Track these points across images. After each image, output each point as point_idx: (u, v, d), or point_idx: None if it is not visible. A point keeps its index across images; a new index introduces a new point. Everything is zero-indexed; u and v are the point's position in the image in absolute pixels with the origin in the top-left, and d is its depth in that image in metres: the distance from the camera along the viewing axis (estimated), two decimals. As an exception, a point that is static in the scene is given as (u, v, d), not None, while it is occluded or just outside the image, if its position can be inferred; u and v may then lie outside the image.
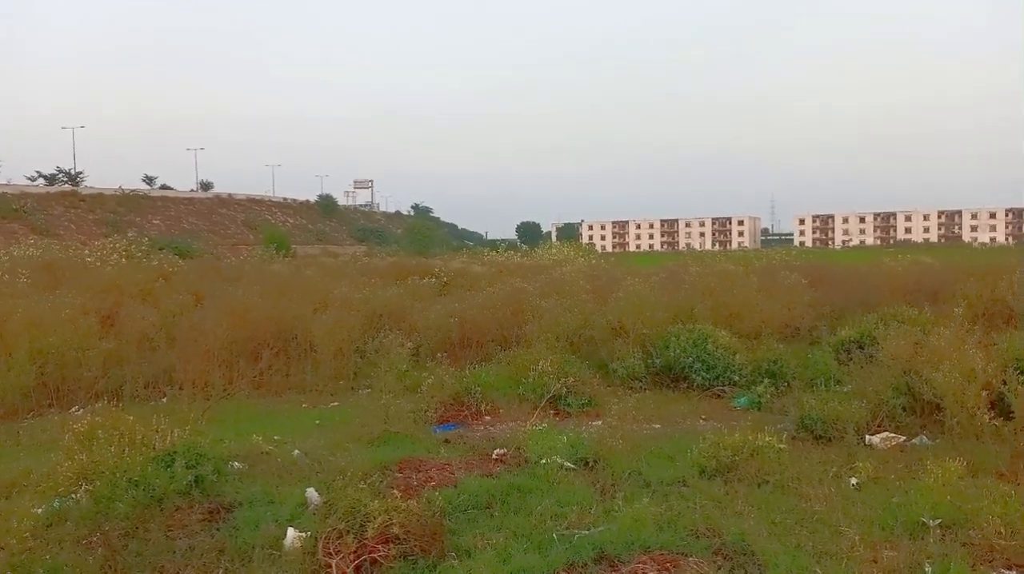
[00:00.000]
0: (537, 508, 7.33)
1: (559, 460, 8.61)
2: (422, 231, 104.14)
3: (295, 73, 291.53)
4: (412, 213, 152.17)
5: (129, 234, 33.42)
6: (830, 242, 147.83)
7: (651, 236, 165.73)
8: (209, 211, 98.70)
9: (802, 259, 28.14)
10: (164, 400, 13.47)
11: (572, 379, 12.09)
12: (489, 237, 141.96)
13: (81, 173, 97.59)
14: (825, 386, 11.49)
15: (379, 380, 12.82)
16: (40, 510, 7.49)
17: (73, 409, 13.10)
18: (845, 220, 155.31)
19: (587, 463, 8.76)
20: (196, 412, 10.15)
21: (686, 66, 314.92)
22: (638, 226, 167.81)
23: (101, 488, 6.38)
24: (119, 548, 6.28)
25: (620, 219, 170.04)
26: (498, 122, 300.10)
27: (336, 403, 13.54)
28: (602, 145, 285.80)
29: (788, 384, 12.50)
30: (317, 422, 11.95)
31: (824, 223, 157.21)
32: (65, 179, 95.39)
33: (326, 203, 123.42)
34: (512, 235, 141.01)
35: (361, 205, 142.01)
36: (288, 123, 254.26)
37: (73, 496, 7.00)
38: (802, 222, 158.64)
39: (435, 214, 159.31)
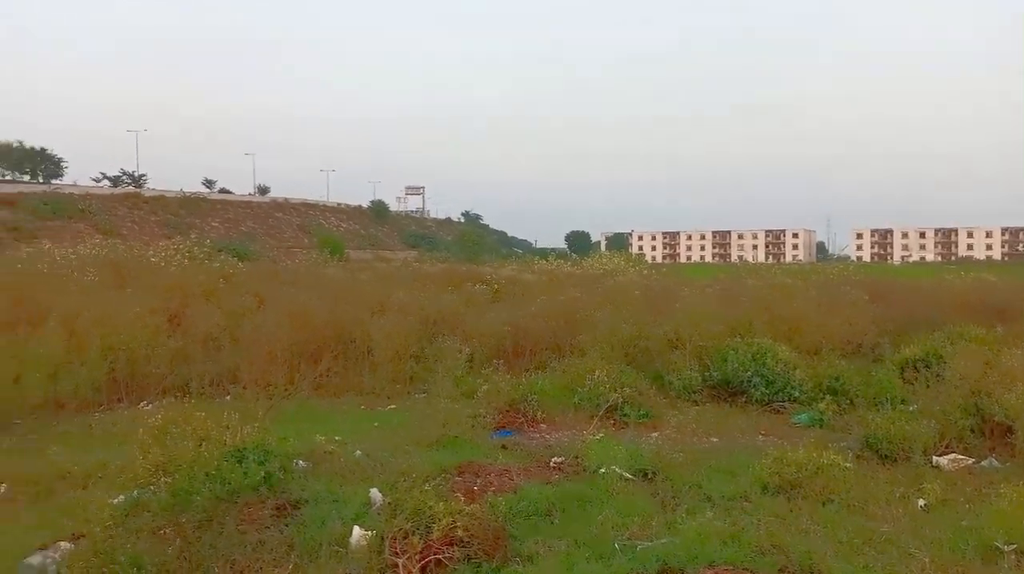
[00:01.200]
0: (598, 517, 7.35)
1: (618, 470, 8.61)
2: (472, 238, 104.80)
3: (352, 78, 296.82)
4: (462, 220, 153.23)
5: (192, 236, 34.37)
6: (889, 258, 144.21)
7: (702, 248, 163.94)
8: (266, 215, 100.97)
9: (861, 274, 27.56)
10: (228, 398, 13.81)
11: (628, 390, 12.07)
12: (538, 245, 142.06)
13: (144, 175, 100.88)
14: (891, 405, 11.25)
15: (436, 385, 12.99)
16: (117, 500, 7.80)
17: (142, 404, 13.55)
18: (904, 235, 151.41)
19: (646, 475, 8.74)
20: (261, 410, 10.40)
21: (741, 76, 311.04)
22: (689, 237, 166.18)
23: (179, 481, 6.63)
24: (193, 540, 6.50)
25: (671, 230, 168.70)
26: (550, 130, 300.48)
27: (393, 406, 13.74)
28: (653, 155, 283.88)
29: (851, 402, 12.28)
30: (376, 424, 12.15)
31: (883, 238, 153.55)
32: (129, 181, 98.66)
33: (378, 208, 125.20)
34: (561, 244, 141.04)
35: (412, 211, 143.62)
36: (343, 128, 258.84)
37: (151, 488, 7.26)
38: (860, 236, 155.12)
39: (484, 221, 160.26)
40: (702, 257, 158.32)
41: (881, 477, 8.90)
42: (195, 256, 28.94)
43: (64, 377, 13.17)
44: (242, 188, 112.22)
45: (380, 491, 8.12)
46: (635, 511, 7.52)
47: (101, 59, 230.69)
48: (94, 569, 5.70)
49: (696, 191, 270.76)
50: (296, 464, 9.08)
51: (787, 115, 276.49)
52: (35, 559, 6.51)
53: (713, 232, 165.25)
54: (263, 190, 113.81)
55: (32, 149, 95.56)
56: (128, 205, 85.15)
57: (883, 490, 8.40)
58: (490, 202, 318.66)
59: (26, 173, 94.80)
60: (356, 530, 7.07)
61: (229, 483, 6.87)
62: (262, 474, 7.31)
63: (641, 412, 11.83)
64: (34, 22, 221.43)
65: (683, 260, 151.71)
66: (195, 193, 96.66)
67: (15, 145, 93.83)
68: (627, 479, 8.52)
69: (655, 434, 10.96)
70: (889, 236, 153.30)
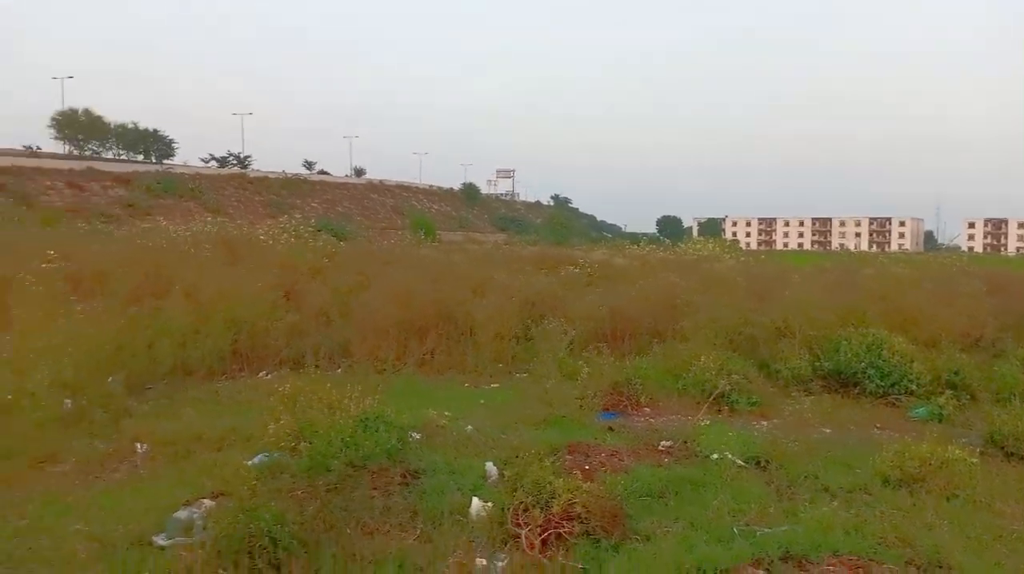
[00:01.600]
0: (712, 502, 7.37)
1: (731, 457, 8.58)
2: (561, 221, 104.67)
3: (442, 63, 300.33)
4: (551, 203, 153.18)
5: (297, 216, 35.70)
6: (1002, 248, 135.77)
7: (800, 235, 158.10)
8: (361, 196, 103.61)
9: (975, 265, 26.12)
10: (339, 371, 14.39)
11: (735, 377, 11.92)
12: (628, 230, 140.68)
13: (249, 157, 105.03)
14: (1020, 401, 10.71)
15: (539, 365, 13.15)
16: (251, 462, 8.33)
17: (261, 374, 14.28)
18: (1021, 225, 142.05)
19: (759, 463, 8.67)
20: (374, 384, 10.81)
21: (835, 61, 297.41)
22: (786, 224, 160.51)
23: (318, 446, 7.00)
24: (327, 502, 6.89)
25: (767, 216, 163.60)
26: (640, 114, 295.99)
27: (496, 385, 14.00)
28: (747, 139, 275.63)
29: (972, 397, 11.77)
30: (481, 401, 12.43)
31: (996, 228, 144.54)
32: (235, 162, 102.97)
33: (469, 191, 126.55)
34: (651, 229, 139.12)
35: (502, 194, 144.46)
36: (435, 112, 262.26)
37: (287, 452, 7.69)
38: (972, 226, 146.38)
39: (574, 205, 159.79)
40: (800, 244, 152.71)
41: (1008, 474, 8.56)
42: (300, 235, 30.11)
43: (191, 346, 13.99)
44: (340, 170, 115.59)
45: (495, 465, 8.39)
46: (751, 498, 7.49)
47: (209, 46, 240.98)
48: (240, 525, 6.10)
49: (793, 177, 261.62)
50: (410, 436, 9.45)
51: (891, 99, 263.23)
52: (182, 514, 7.02)
53: (813, 219, 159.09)
54: (359, 172, 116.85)
55: (146, 130, 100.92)
56: (234, 185, 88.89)
57: (1011, 487, 8.08)
58: (579, 187, 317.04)
59: (140, 153, 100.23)
60: (475, 501, 7.33)
61: (362, 450, 7.22)
62: (391, 443, 7.66)
63: (751, 400, 11.67)
64: (153, 13, 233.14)
65: (779, 247, 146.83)
66: (296, 174, 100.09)
67: (130, 126, 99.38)
68: (740, 466, 8.47)
69: (764, 423, 10.81)
70: (1004, 226, 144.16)
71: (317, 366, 14.53)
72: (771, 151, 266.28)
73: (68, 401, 9.84)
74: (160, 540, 6.63)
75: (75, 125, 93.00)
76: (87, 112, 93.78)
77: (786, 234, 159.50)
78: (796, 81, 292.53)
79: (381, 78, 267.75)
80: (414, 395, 12.84)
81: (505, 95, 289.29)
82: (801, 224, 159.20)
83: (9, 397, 8.94)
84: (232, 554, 6.06)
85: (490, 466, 8.32)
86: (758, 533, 6.59)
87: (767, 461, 8.65)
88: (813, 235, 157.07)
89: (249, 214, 77.36)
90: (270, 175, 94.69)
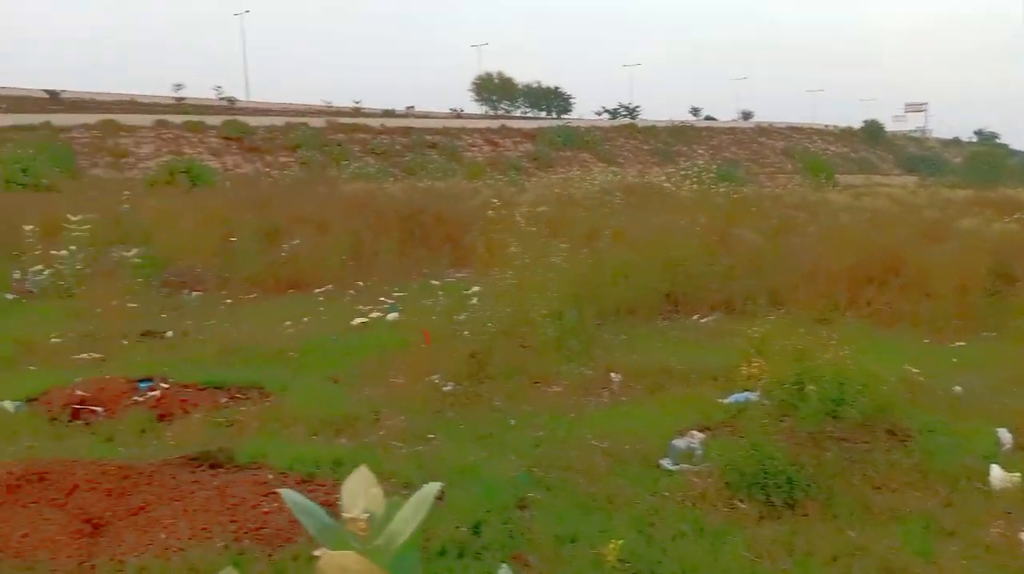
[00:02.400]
0: None
1: None
2: (987, 159, 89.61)
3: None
4: (974, 140, 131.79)
5: (698, 163, 35.75)
6: None
7: None
8: (749, 140, 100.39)
9: None
10: (771, 318, 14.00)
11: None
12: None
13: (638, 107, 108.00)
14: None
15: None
16: (728, 400, 8.52)
17: (695, 317, 14.54)
18: None
19: None
20: (834, 333, 10.26)
21: None
22: None
23: (828, 391, 6.86)
24: (840, 451, 6.72)
25: None
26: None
27: (962, 343, 12.44)
28: None
29: None
30: (954, 360, 11.14)
31: None
32: (625, 113, 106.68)
33: (871, 129, 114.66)
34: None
35: (911, 131, 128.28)
36: (833, 45, 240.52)
37: (776, 394, 7.66)
38: None
39: (1003, 141, 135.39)
40: None
41: None
42: (702, 181, 30.16)
43: (630, 287, 14.77)
44: (726, 115, 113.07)
45: (1009, 431, 7.45)
46: None
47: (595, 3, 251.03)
48: (752, 461, 6.21)
49: None
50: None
51: None
52: (680, 442, 7.40)
53: None
54: (746, 115, 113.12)
55: (547, 88, 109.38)
56: (623, 135, 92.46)
57: None
58: (1010, 119, 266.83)
59: (543, 110, 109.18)
60: (995, 469, 6.59)
61: (876, 401, 6.91)
62: (893, 396, 7.22)
63: None
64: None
65: None
66: (682, 122, 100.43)
67: (534, 86, 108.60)
68: None
69: None
70: None
71: (746, 312, 14.35)
72: None
73: (551, 330, 11.03)
74: (667, 464, 7.07)
75: (490, 87, 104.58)
76: (500, 75, 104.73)
77: None
78: None
79: (771, 13, 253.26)
80: (870, 349, 11.96)
81: (912, 18, 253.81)
82: None
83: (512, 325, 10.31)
84: (744, 487, 6.21)
85: (1003, 432, 7.39)
86: None
87: None
88: None
89: (638, 163, 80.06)
90: (657, 124, 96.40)
